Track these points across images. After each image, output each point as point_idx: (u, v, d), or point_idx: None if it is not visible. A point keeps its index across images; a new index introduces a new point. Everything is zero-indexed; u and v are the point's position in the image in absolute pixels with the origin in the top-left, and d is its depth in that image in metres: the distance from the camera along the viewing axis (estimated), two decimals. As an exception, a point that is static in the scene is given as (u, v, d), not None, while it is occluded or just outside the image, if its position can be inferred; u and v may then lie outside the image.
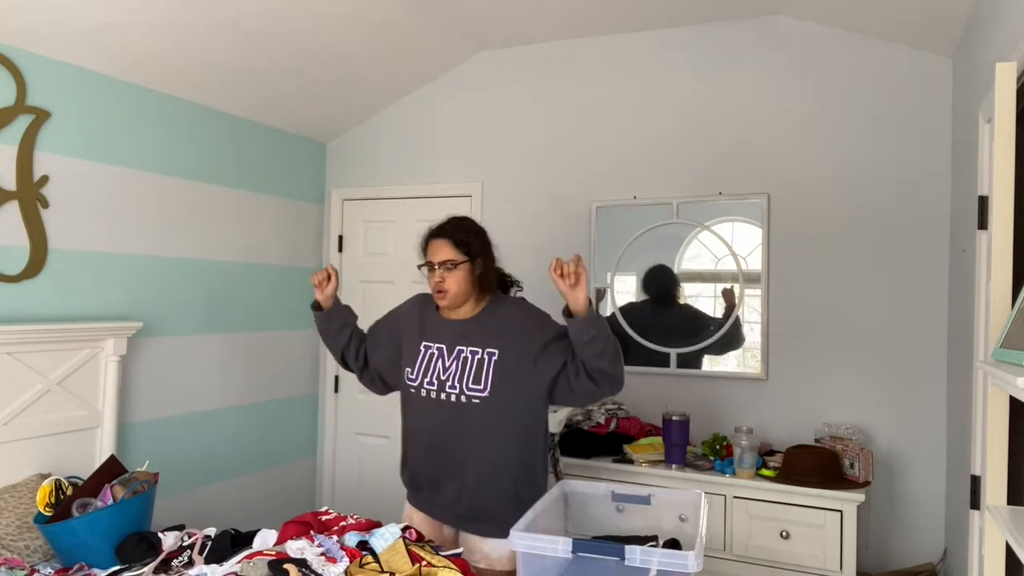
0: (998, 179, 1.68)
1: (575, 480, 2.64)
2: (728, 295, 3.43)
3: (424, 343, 2.31)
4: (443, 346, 2.28)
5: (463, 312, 2.30)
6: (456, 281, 2.24)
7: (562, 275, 2.03)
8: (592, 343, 2.07)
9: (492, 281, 2.32)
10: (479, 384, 2.21)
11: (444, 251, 2.24)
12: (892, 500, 3.13)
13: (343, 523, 2.14)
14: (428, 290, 2.37)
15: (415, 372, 2.30)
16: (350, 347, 2.48)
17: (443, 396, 2.25)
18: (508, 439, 2.24)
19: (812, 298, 3.28)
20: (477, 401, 2.21)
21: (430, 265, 2.26)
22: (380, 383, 2.48)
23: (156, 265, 3.30)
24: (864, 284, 3.20)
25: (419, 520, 2.38)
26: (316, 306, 2.48)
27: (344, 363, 2.53)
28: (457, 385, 2.23)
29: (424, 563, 1.94)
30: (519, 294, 2.49)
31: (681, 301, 3.56)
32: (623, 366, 2.17)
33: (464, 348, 2.25)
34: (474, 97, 3.98)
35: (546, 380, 2.20)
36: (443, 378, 2.25)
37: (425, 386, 2.28)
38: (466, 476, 2.25)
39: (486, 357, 2.22)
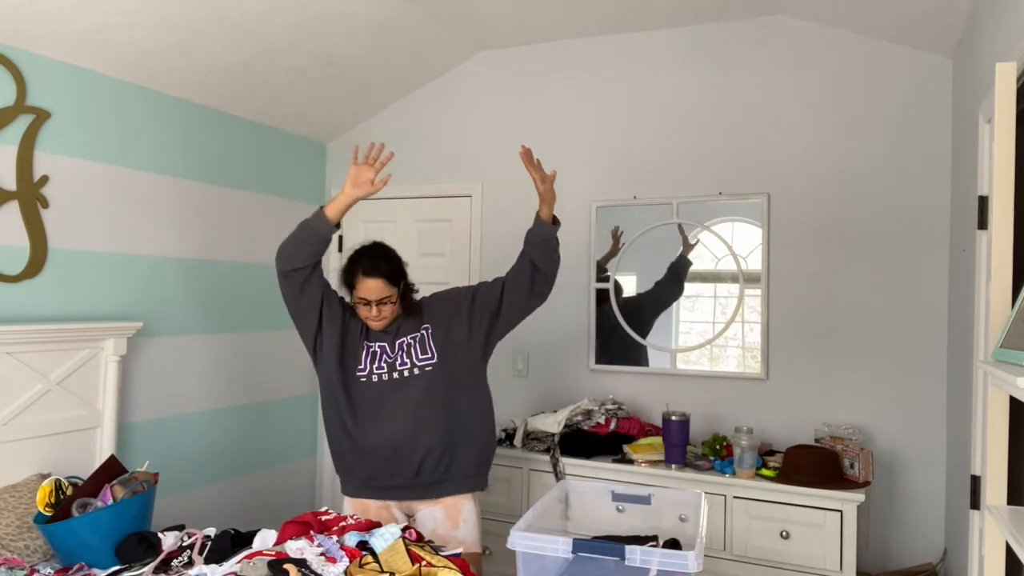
0: (998, 179, 1.68)
1: (575, 480, 2.64)
2: None
3: (367, 343, 2.48)
4: (385, 344, 2.48)
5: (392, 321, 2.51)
6: (391, 310, 2.44)
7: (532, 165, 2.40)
8: (544, 246, 2.45)
9: (411, 297, 2.53)
10: (427, 353, 2.46)
11: (380, 288, 2.38)
12: (892, 500, 3.13)
13: (343, 523, 2.14)
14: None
15: (363, 363, 2.46)
16: (314, 274, 2.44)
17: (395, 375, 2.45)
18: (464, 392, 2.49)
19: (812, 298, 3.28)
20: (429, 368, 2.46)
21: (365, 302, 2.39)
22: (307, 295, 2.46)
23: (156, 265, 3.30)
24: (864, 284, 3.20)
25: (374, 509, 2.48)
26: (323, 220, 2.36)
27: (291, 270, 2.44)
28: (407, 361, 2.46)
29: (424, 563, 1.94)
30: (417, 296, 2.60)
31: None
32: (555, 272, 2.54)
33: (404, 338, 2.48)
34: (474, 97, 3.98)
35: (487, 313, 2.50)
36: (391, 360, 2.46)
37: (375, 371, 2.45)
38: (429, 442, 2.42)
39: (423, 333, 2.48)
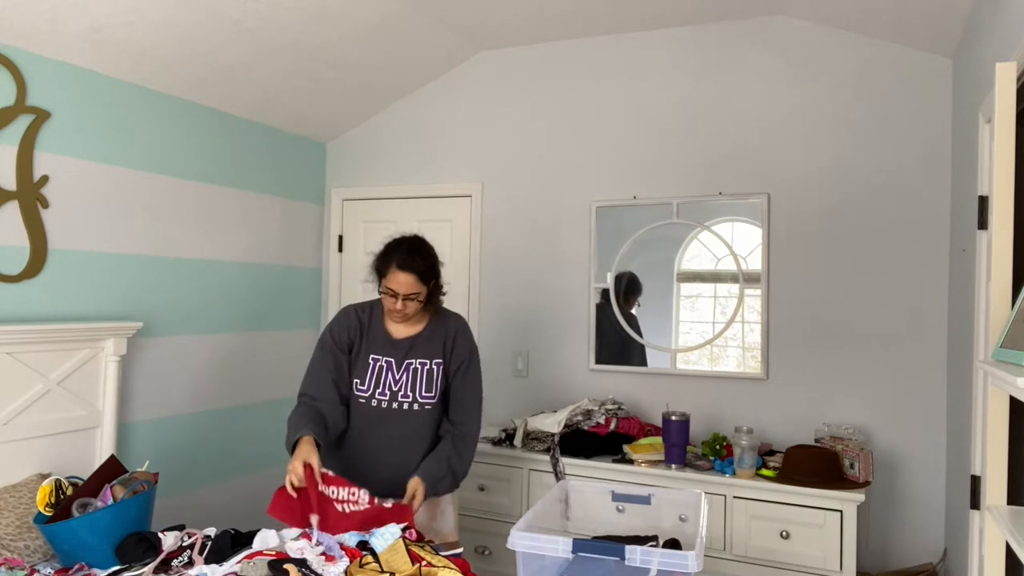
0: (998, 179, 1.68)
1: (575, 480, 2.64)
2: None
3: (372, 356, 2.44)
4: (392, 360, 2.43)
5: (412, 325, 2.47)
6: (416, 306, 2.39)
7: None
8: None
9: (439, 298, 2.48)
10: (431, 392, 2.43)
11: (410, 284, 2.34)
12: (892, 500, 3.13)
13: (347, 503, 2.12)
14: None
15: (366, 384, 2.43)
16: (336, 428, 2.44)
17: (395, 405, 2.43)
18: (438, 429, 2.50)
19: (812, 298, 3.28)
20: (429, 407, 2.44)
21: (392, 293, 2.35)
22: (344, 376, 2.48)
23: (156, 265, 3.30)
24: (864, 284, 3.20)
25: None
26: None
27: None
28: (410, 394, 2.42)
29: (424, 563, 1.94)
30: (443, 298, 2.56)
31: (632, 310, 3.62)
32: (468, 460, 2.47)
33: (414, 360, 2.43)
34: (474, 97, 3.98)
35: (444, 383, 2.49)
36: (395, 389, 2.42)
37: (376, 396, 2.42)
38: (406, 467, 2.39)
39: (434, 368, 2.44)
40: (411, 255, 2.36)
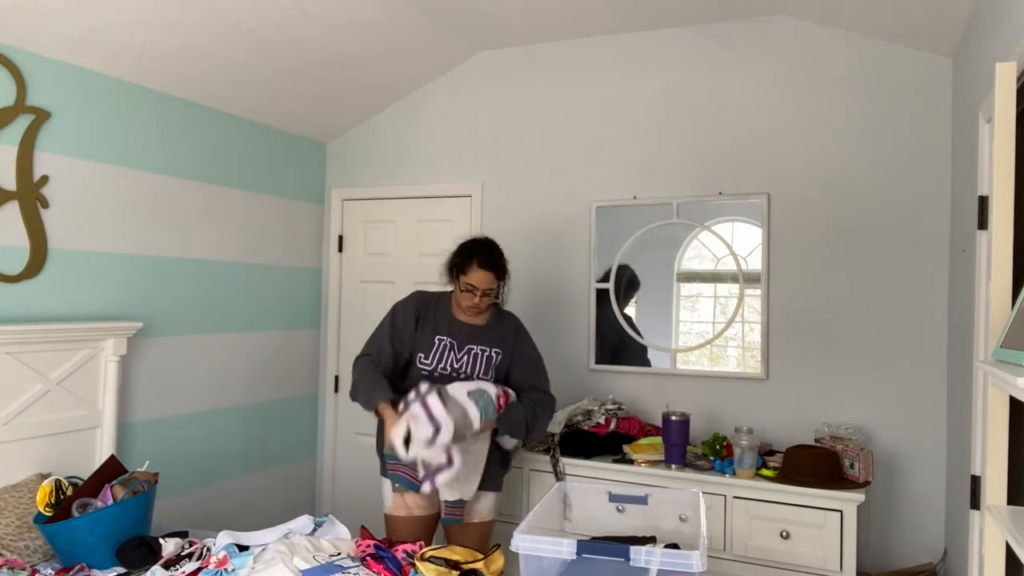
0: (998, 179, 1.68)
1: (575, 481, 2.65)
2: None
3: (438, 336, 2.71)
4: (455, 342, 2.71)
5: (479, 318, 2.78)
6: (488, 303, 2.72)
7: None
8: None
9: (503, 296, 2.82)
10: (487, 375, 2.73)
11: (489, 280, 2.66)
12: (892, 500, 3.13)
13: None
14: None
15: (430, 358, 2.70)
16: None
17: (454, 377, 2.69)
18: None
19: (812, 298, 3.28)
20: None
21: (472, 288, 2.65)
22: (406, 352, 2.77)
23: (156, 265, 3.30)
24: (864, 284, 3.20)
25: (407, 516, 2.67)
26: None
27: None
28: (468, 373, 2.70)
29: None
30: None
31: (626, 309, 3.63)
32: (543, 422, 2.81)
33: (475, 346, 2.73)
34: (474, 97, 3.98)
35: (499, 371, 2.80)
36: (456, 366, 2.70)
37: (439, 371, 2.69)
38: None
39: (493, 355, 2.75)
40: (491, 256, 2.68)
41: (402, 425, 2.40)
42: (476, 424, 2.49)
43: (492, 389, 2.58)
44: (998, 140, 1.67)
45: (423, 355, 2.69)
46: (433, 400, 2.42)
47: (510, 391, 2.68)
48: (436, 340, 2.70)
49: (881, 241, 3.18)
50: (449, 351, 2.70)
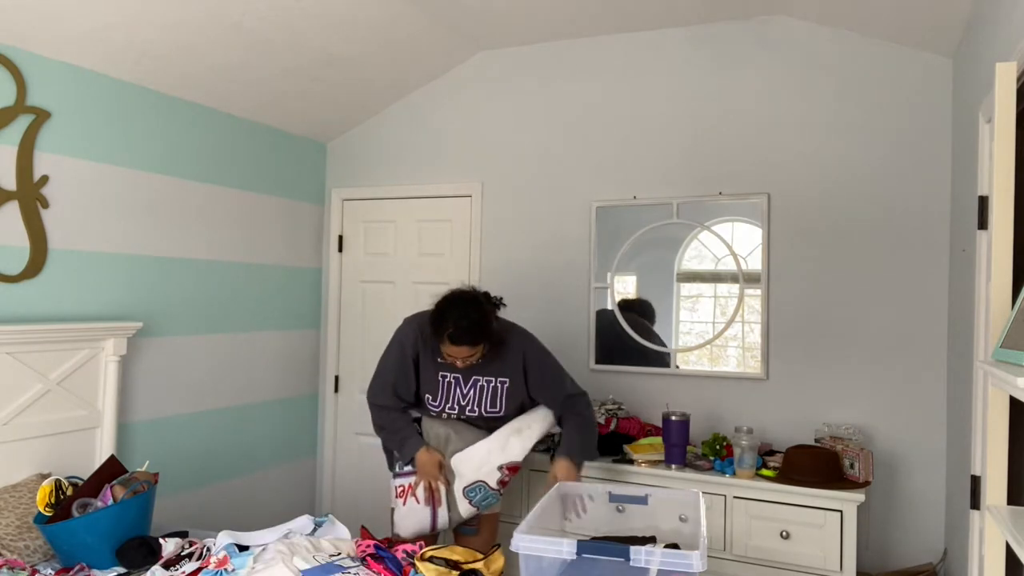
0: (998, 179, 1.68)
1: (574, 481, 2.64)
2: None
3: (441, 373, 2.63)
4: (459, 376, 2.63)
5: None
6: (477, 359, 2.53)
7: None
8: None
9: (495, 340, 2.56)
10: (496, 407, 2.65)
11: (466, 352, 2.46)
12: (892, 500, 3.13)
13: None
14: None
15: (437, 399, 2.65)
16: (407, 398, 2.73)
17: (462, 419, 2.68)
18: None
19: (812, 298, 3.28)
20: (494, 421, 2.69)
21: (452, 356, 2.48)
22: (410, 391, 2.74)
23: (156, 265, 3.30)
24: (864, 284, 3.20)
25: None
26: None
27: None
28: (476, 409, 2.64)
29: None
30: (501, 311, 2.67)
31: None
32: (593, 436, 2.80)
33: (480, 378, 2.63)
34: (474, 97, 3.98)
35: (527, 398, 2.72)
36: (463, 403, 2.64)
37: (447, 410, 2.66)
38: None
39: (499, 385, 2.64)
40: (460, 330, 2.40)
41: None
42: (465, 516, 2.63)
43: (492, 477, 2.60)
44: (998, 140, 1.67)
45: (430, 396, 2.66)
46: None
47: (518, 463, 2.66)
48: (440, 378, 2.63)
49: (881, 241, 3.18)
50: (455, 387, 2.63)
